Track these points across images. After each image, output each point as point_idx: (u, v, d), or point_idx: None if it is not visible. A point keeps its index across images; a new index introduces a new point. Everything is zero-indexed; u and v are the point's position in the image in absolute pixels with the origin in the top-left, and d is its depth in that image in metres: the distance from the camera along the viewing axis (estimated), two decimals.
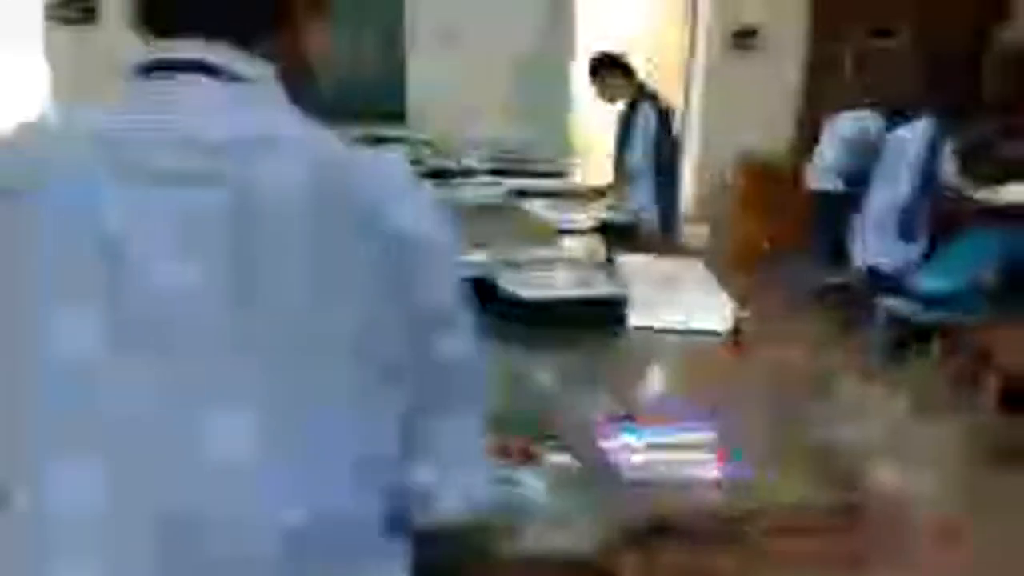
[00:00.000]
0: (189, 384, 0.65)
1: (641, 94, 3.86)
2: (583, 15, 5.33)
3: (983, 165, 3.85)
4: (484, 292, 1.60)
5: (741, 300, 1.71)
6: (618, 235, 2.50)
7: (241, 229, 0.65)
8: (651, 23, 5.79)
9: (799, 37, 5.59)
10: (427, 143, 3.98)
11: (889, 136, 3.99)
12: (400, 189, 0.73)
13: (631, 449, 1.11)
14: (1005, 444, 2.81)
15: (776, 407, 1.30)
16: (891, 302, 3.62)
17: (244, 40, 0.73)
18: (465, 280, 0.76)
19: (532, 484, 1.01)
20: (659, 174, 3.84)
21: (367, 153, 0.74)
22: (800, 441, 1.20)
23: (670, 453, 1.10)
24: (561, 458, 1.08)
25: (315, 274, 0.67)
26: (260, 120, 0.71)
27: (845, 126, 4.53)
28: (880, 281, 3.76)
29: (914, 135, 3.78)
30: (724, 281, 1.85)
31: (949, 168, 3.72)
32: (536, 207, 2.80)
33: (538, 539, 0.94)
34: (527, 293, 1.64)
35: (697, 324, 1.65)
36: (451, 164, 3.54)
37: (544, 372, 1.37)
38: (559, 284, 1.75)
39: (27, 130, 0.72)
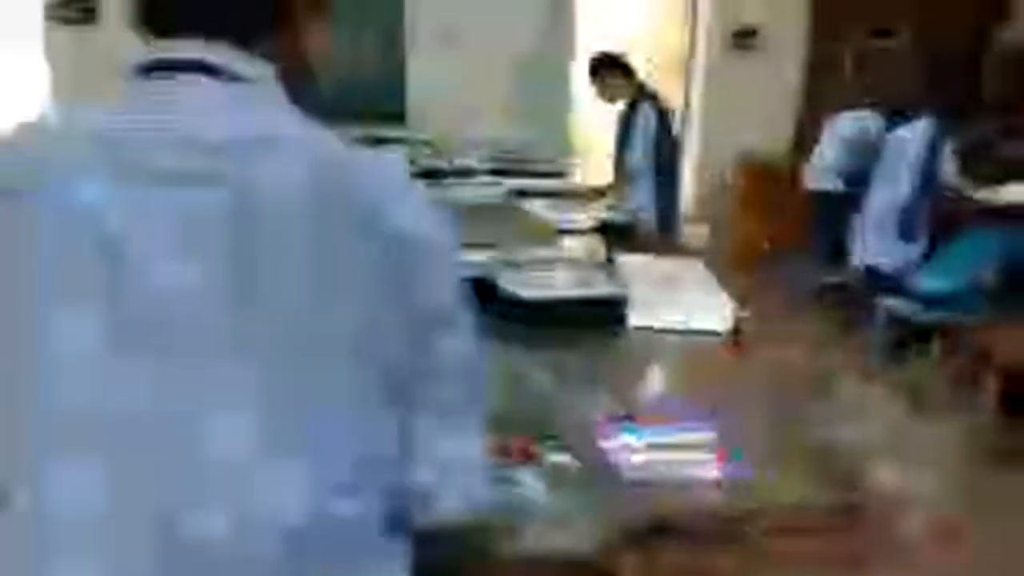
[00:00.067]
0: (189, 384, 0.65)
1: (641, 94, 3.86)
2: (583, 15, 5.33)
3: (983, 165, 3.85)
4: (484, 292, 1.60)
5: (741, 300, 1.71)
6: (618, 235, 2.50)
7: (241, 229, 0.65)
8: (651, 23, 5.79)
9: (799, 37, 5.59)
10: (427, 143, 3.98)
11: (889, 136, 3.99)
12: (400, 189, 0.73)
13: (631, 449, 1.11)
14: (1005, 444, 2.81)
15: (776, 407, 1.30)
16: (891, 302, 3.62)
17: (244, 40, 0.73)
18: (465, 280, 0.76)
19: (532, 484, 1.01)
20: (659, 174, 3.84)
21: (367, 153, 0.74)
22: (800, 441, 1.20)
23: (670, 453, 1.10)
24: (561, 458, 1.08)
25: (315, 274, 0.67)
26: (260, 120, 0.71)
27: (845, 126, 4.53)
28: (880, 281, 3.76)
29: (914, 135, 3.78)
30: (724, 281, 1.85)
31: (949, 168, 3.71)
32: (536, 207, 2.79)
33: (538, 539, 0.94)
34: (527, 293, 1.64)
35: (697, 324, 1.65)
36: (452, 164, 3.54)
37: (544, 372, 1.37)
38: (559, 284, 1.75)
39: (27, 130, 0.72)
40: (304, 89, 0.79)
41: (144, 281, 0.64)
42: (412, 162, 3.35)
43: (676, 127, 4.35)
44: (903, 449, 1.25)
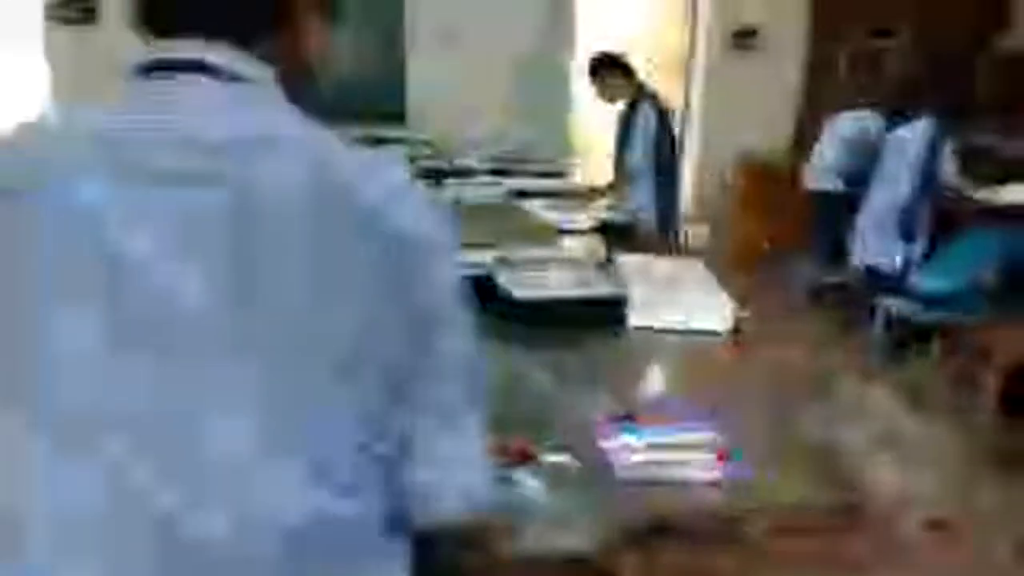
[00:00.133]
0: (189, 384, 0.65)
1: (641, 94, 3.86)
2: (583, 15, 5.33)
3: (983, 165, 3.85)
4: (484, 292, 1.60)
5: (741, 300, 1.71)
6: (618, 235, 2.50)
7: (241, 229, 0.65)
8: (651, 23, 5.79)
9: (799, 37, 5.59)
10: (427, 143, 3.98)
11: (889, 136, 3.99)
12: (400, 189, 0.73)
13: (631, 449, 1.11)
14: (1005, 444, 2.82)
15: (776, 407, 1.30)
16: (891, 302, 3.62)
17: (244, 40, 0.73)
18: (465, 280, 0.76)
19: (531, 484, 1.01)
20: (659, 174, 3.84)
21: (367, 153, 0.74)
22: (800, 441, 1.20)
23: (670, 453, 1.10)
24: (561, 458, 1.08)
25: (315, 274, 0.67)
26: (260, 120, 0.71)
27: (845, 126, 4.53)
28: (880, 281, 3.76)
29: (914, 135, 3.78)
30: (724, 281, 1.85)
31: (949, 168, 3.72)
32: (536, 207, 2.80)
33: (538, 539, 0.94)
34: (527, 293, 1.64)
35: (697, 324, 1.65)
36: (452, 164, 3.55)
37: (544, 372, 1.37)
38: (559, 284, 1.75)
39: (27, 130, 0.72)
40: (304, 89, 0.79)
41: (144, 281, 0.64)
42: (412, 162, 3.35)
43: (676, 127, 4.35)
44: (903, 449, 1.25)
